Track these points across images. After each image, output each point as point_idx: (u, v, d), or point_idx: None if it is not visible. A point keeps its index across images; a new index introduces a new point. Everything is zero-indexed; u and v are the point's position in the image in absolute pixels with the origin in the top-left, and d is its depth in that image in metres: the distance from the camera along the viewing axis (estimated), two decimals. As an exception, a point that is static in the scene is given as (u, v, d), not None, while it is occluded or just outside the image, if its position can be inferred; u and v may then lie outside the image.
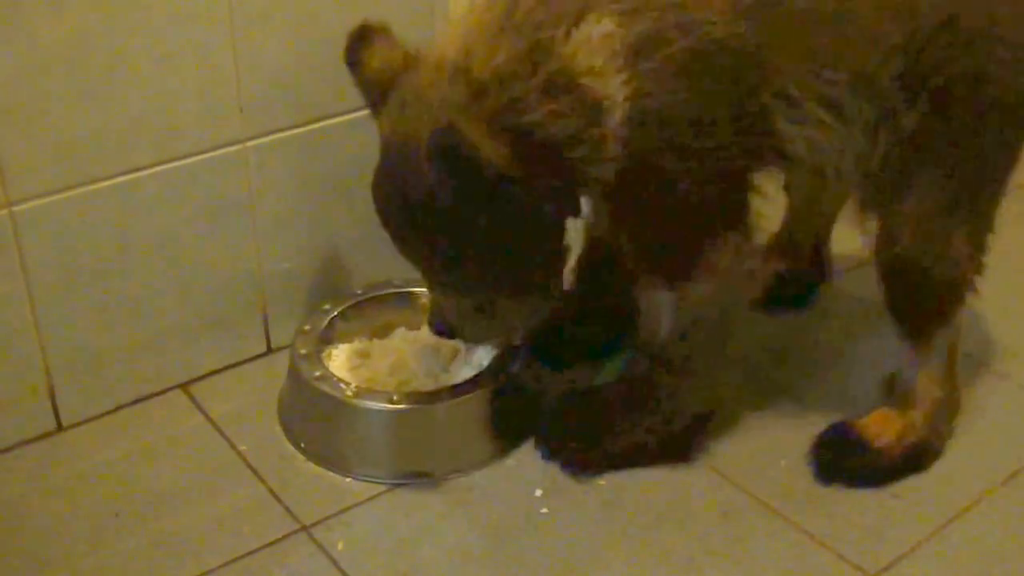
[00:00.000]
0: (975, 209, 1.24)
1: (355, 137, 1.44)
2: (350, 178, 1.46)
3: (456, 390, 1.33)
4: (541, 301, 1.26)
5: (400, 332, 1.47)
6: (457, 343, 1.42)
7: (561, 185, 1.13)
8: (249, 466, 1.33)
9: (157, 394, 1.44)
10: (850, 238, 1.41)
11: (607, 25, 1.08)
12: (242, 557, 1.20)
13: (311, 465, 1.33)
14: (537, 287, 1.24)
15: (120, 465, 1.33)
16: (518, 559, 1.21)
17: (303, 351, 1.37)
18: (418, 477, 1.31)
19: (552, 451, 1.34)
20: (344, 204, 1.49)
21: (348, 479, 1.31)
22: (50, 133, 1.24)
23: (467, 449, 1.33)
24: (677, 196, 1.15)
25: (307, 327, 1.41)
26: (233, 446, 1.36)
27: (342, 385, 1.32)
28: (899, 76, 1.14)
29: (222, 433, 1.38)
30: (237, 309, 1.47)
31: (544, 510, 1.27)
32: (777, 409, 1.42)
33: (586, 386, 1.43)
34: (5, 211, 1.24)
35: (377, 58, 1.18)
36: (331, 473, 1.32)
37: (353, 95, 1.22)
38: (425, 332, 1.46)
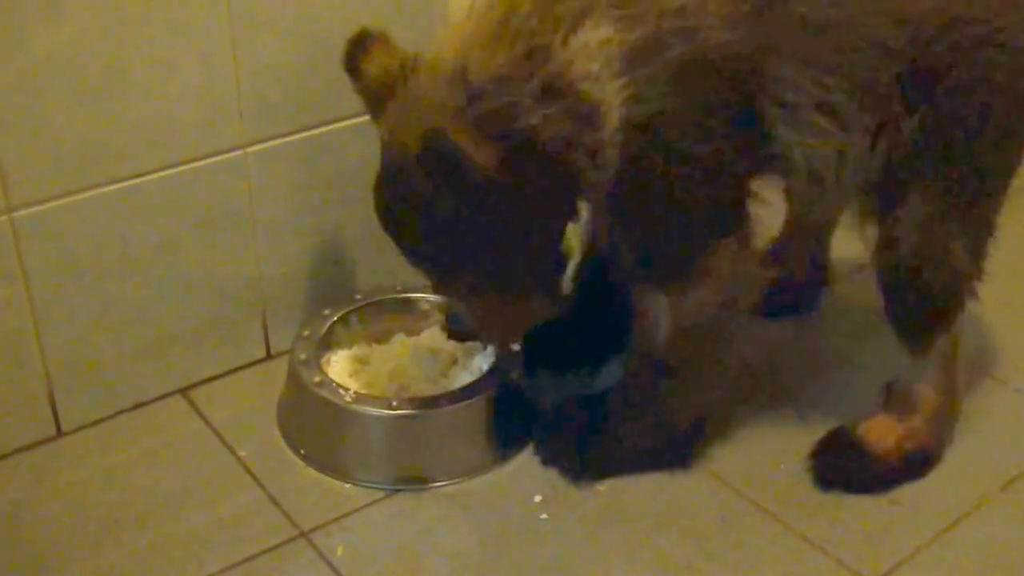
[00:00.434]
0: (976, 215, 1.24)
1: (354, 143, 1.44)
2: (349, 183, 1.47)
3: (455, 396, 1.33)
4: (545, 302, 1.26)
5: (399, 338, 1.48)
6: (456, 348, 1.43)
7: (556, 190, 1.13)
8: (248, 471, 1.33)
9: (157, 399, 1.44)
10: (850, 243, 1.41)
11: (605, 31, 1.08)
12: (242, 562, 1.20)
13: (310, 470, 1.33)
14: (539, 289, 1.24)
15: (120, 470, 1.33)
16: (517, 565, 1.21)
17: (303, 357, 1.37)
18: (417, 483, 1.31)
19: (551, 457, 1.34)
20: (344, 209, 1.49)
21: (347, 485, 1.31)
22: (50, 139, 1.24)
23: (466, 455, 1.33)
24: (674, 201, 1.15)
25: (307, 332, 1.42)
26: (233, 451, 1.36)
27: (341, 391, 1.32)
28: (899, 82, 1.14)
29: (222, 438, 1.38)
30: (237, 314, 1.47)
31: (543, 516, 1.27)
32: (776, 414, 1.42)
33: (585, 392, 1.43)
34: (5, 217, 1.24)
35: (376, 65, 1.18)
36: (330, 479, 1.32)
37: (352, 100, 1.23)
38: (424, 338, 1.46)
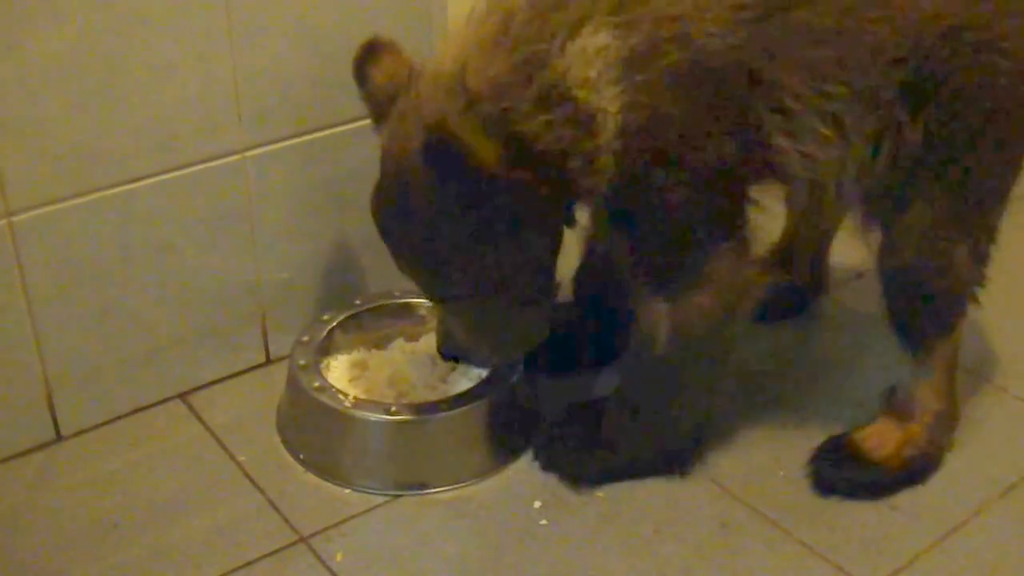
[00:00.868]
0: (978, 221, 1.24)
1: (354, 147, 1.44)
2: (349, 188, 1.46)
3: (455, 401, 1.33)
4: (539, 313, 1.26)
5: (399, 343, 1.48)
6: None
7: (553, 196, 1.13)
8: (248, 476, 1.33)
9: (156, 404, 1.44)
10: (848, 249, 1.41)
11: (603, 37, 1.08)
12: (240, 568, 1.20)
13: (310, 476, 1.33)
14: (534, 298, 1.24)
15: (119, 475, 1.33)
16: (517, 570, 1.21)
17: (302, 362, 1.37)
18: (417, 488, 1.31)
19: (550, 462, 1.34)
20: (343, 214, 1.49)
21: (347, 490, 1.31)
22: (49, 143, 1.24)
23: (466, 460, 1.33)
24: (671, 207, 1.15)
25: (306, 338, 1.42)
26: (232, 456, 1.36)
27: (341, 396, 1.32)
28: (902, 89, 1.14)
29: (221, 443, 1.38)
30: (236, 319, 1.47)
31: (543, 521, 1.27)
32: (775, 421, 1.42)
33: (584, 398, 1.43)
34: (4, 221, 1.24)
35: (383, 73, 1.18)
36: (330, 484, 1.32)
37: (352, 105, 1.23)
38: (424, 343, 1.46)
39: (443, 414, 1.31)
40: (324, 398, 1.32)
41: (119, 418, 1.41)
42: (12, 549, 1.22)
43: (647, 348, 1.27)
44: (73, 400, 1.37)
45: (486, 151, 1.06)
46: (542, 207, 1.14)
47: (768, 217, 1.24)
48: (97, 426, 1.40)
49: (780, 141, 1.15)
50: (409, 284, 1.24)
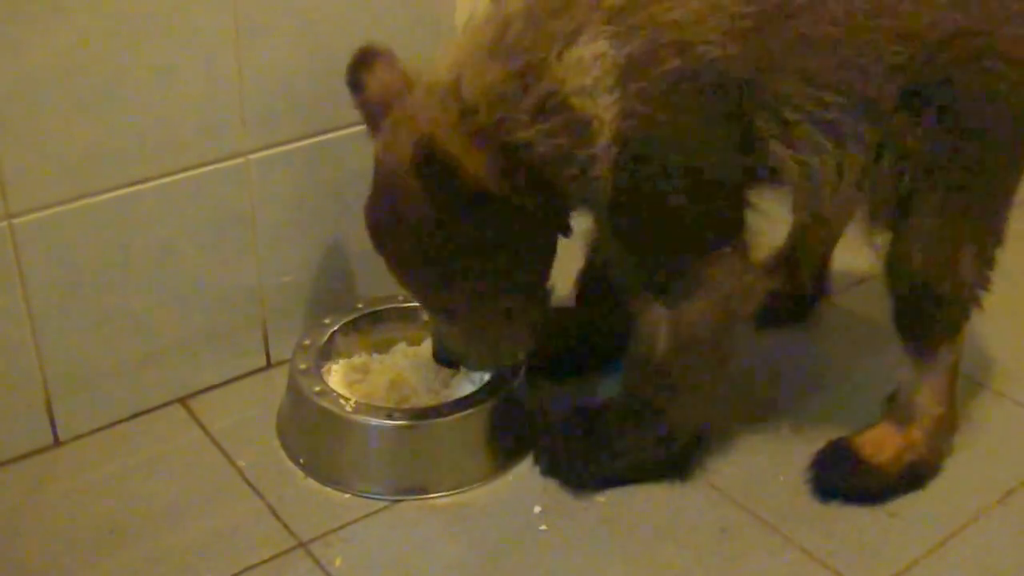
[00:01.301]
0: (983, 226, 1.25)
1: (357, 150, 1.44)
2: (351, 192, 1.46)
3: (455, 406, 1.32)
4: (531, 319, 1.26)
5: (400, 348, 1.47)
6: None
7: (549, 204, 1.13)
8: (247, 481, 1.32)
9: (156, 408, 1.43)
10: (849, 255, 1.41)
11: (600, 45, 1.08)
12: (240, 573, 1.20)
13: (310, 481, 1.33)
14: (526, 306, 1.24)
15: (118, 480, 1.32)
16: (516, 575, 1.20)
17: (303, 366, 1.37)
18: (417, 493, 1.31)
19: (551, 467, 1.34)
20: (345, 218, 1.49)
21: (347, 495, 1.30)
22: (51, 145, 1.24)
23: (466, 465, 1.33)
24: (669, 214, 1.15)
25: (307, 342, 1.41)
26: (232, 461, 1.35)
27: (342, 400, 1.32)
28: (902, 96, 1.15)
29: (221, 448, 1.37)
30: (237, 323, 1.47)
31: (543, 527, 1.27)
32: (775, 426, 1.42)
33: (585, 402, 1.43)
34: (5, 223, 1.24)
35: (377, 81, 1.18)
36: (330, 489, 1.31)
37: (355, 109, 1.22)
38: (425, 348, 1.46)
39: (443, 419, 1.31)
40: (325, 402, 1.32)
41: (118, 422, 1.40)
42: (10, 554, 1.22)
43: (647, 353, 1.27)
44: (72, 404, 1.36)
45: (476, 165, 1.06)
46: (535, 218, 1.14)
47: (770, 223, 1.25)
48: (96, 431, 1.39)
49: (777, 149, 1.15)
50: (409, 289, 1.25)
